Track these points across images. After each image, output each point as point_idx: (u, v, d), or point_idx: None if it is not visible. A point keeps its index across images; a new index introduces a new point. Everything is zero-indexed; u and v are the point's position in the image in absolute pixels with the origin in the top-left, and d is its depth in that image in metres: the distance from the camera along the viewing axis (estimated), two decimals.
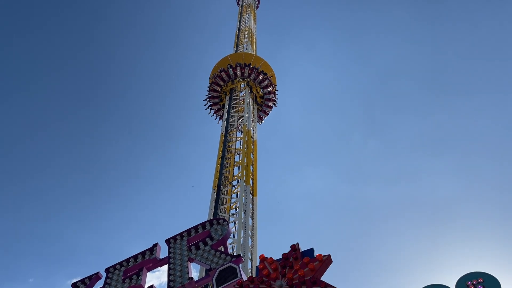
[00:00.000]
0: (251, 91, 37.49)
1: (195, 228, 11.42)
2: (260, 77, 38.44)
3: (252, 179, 29.51)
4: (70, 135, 64.37)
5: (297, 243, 8.48)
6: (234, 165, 30.28)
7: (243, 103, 36.36)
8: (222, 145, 31.61)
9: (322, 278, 7.60)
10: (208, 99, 39.15)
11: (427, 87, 65.14)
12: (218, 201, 26.87)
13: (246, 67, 38.07)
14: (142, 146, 67.56)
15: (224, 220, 11.54)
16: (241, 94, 37.24)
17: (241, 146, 31.76)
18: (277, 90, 39.86)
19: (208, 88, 39.42)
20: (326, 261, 7.81)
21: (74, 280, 11.64)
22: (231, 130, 33.35)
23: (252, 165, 30.76)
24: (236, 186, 28.57)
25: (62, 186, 60.72)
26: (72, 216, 59.35)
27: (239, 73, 38.02)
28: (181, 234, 11.43)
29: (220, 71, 38.68)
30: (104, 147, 65.49)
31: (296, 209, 61.42)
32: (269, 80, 38.50)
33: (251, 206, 27.39)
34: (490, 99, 58.91)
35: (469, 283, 6.11)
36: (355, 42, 73.13)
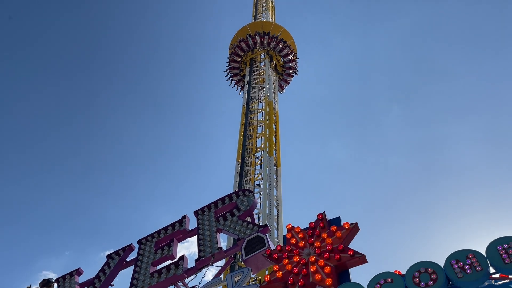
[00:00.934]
0: (271, 61, 37.11)
1: (222, 199, 11.62)
2: (280, 45, 37.87)
3: (275, 150, 29.61)
4: (95, 111, 65.62)
5: (324, 212, 8.56)
6: (257, 137, 30.39)
7: (263, 74, 36.04)
8: (244, 117, 31.67)
9: (349, 246, 7.69)
10: (228, 70, 39.09)
11: (453, 49, 62.77)
12: (242, 173, 27.19)
13: (265, 36, 37.64)
14: (164, 121, 68.36)
15: (250, 191, 11.69)
16: (261, 64, 36.88)
17: (263, 118, 31.74)
18: (298, 58, 39.12)
19: (228, 59, 39.16)
20: (353, 229, 7.88)
21: (107, 252, 12.15)
22: (252, 102, 33.29)
23: (275, 136, 30.79)
24: (259, 158, 28.78)
25: (92, 162, 62.52)
26: (102, 192, 61.32)
27: (258, 43, 37.64)
28: (208, 206, 11.67)
29: (240, 41, 38.40)
30: (127, 123, 66.61)
31: (320, 179, 61.49)
32: (289, 48, 38.00)
33: (275, 177, 27.62)
34: None
35: (499, 247, 6.04)
36: (378, 4, 70.58)
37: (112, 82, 69.04)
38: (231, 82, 39.63)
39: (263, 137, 30.07)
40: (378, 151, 60.39)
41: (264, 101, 32.99)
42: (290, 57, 39.00)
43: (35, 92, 61.99)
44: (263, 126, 30.99)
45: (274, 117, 32.08)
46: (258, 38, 37.68)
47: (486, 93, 58.02)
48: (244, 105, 33.06)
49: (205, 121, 67.87)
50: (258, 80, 35.47)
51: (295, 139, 60.89)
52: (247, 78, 36.74)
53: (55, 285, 11.99)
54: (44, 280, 12.56)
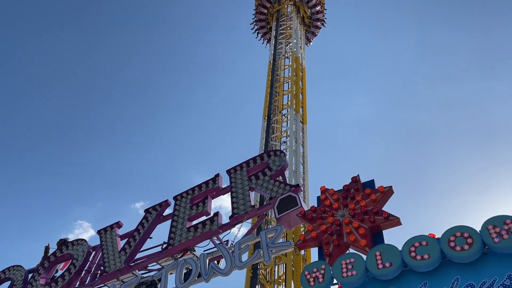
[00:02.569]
0: (299, 12, 36.79)
1: (254, 159, 11.84)
2: None
3: (302, 107, 29.47)
4: (120, 64, 65.98)
5: (358, 175, 8.65)
6: (283, 94, 30.21)
7: (290, 28, 35.15)
8: (270, 74, 31.36)
9: (383, 209, 7.84)
10: (254, 23, 38.60)
11: (485, 4, 59.10)
12: (269, 130, 27.33)
13: None
14: (189, 78, 68.31)
15: (282, 151, 11.83)
16: (288, 19, 35.99)
17: (290, 74, 31.35)
18: (326, 9, 38.73)
19: (254, 11, 38.71)
20: (388, 192, 7.98)
21: (137, 204, 12.73)
22: (279, 58, 32.77)
23: (301, 93, 30.52)
24: (286, 115, 28.76)
25: (121, 118, 63.77)
26: (132, 146, 62.94)
27: None
28: (240, 165, 11.91)
29: None
30: (154, 79, 66.92)
31: (346, 136, 61.16)
32: None
33: (301, 134, 27.69)
34: None
35: None
36: None
37: (137, 38, 68.70)
38: (257, 34, 39.24)
39: (289, 94, 29.87)
40: (407, 108, 59.15)
41: (290, 56, 32.43)
42: (318, 8, 38.13)
43: (69, 49, 62.51)
44: (289, 82, 30.69)
45: (300, 74, 31.65)
46: None
47: None
48: (270, 61, 32.62)
49: (231, 78, 67.55)
50: (285, 34, 34.74)
51: (322, 96, 60.20)
52: (273, 32, 36.02)
53: (70, 245, 12.69)
54: (60, 240, 13.38)
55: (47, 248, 13.79)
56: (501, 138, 53.48)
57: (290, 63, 31.99)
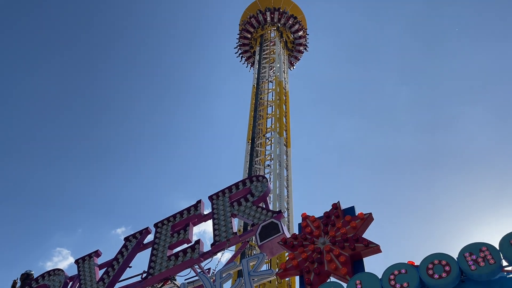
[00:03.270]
0: (282, 37, 37.32)
1: (236, 185, 11.81)
2: (290, 21, 37.82)
3: (286, 130, 29.69)
4: (105, 91, 65.80)
5: (338, 201, 8.71)
6: (267, 117, 30.43)
7: (273, 53, 35.73)
8: (254, 98, 31.65)
9: (364, 236, 7.87)
10: (238, 47, 39.11)
11: (465, 29, 61.35)
12: (253, 153, 27.38)
13: (275, 12, 37.56)
14: (174, 101, 68.41)
15: (264, 177, 11.85)
16: (271, 43, 36.64)
17: (273, 98, 31.68)
18: (308, 34, 39.47)
19: (238, 36, 39.32)
20: (367, 219, 8.03)
21: (119, 230, 12.51)
22: (262, 81, 33.16)
23: (285, 116, 30.80)
24: (269, 138, 28.88)
25: (105, 142, 63.17)
26: (113, 172, 62.12)
27: (269, 19, 37.70)
28: (223, 191, 11.87)
29: (250, 18, 38.48)
30: (136, 102, 66.81)
31: (329, 160, 61.58)
32: (300, 24, 38.31)
33: (285, 157, 27.79)
34: None
35: None
36: None
37: (118, 62, 68.87)
38: (241, 58, 39.64)
39: (273, 118, 30.11)
40: (387, 132, 60.11)
41: (274, 80, 32.85)
42: (300, 33, 38.65)
43: (46, 71, 62.16)
44: (273, 106, 30.97)
45: (284, 97, 32.01)
46: (268, 14, 37.57)
47: (497, 73, 56.97)
48: (254, 85, 32.99)
49: (215, 102, 67.88)
50: (268, 59, 35.22)
51: (305, 119, 60.78)
52: (257, 56, 36.53)
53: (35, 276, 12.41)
54: (23, 274, 13.04)
55: (14, 283, 13.29)
56: (481, 163, 54.63)
57: (273, 87, 32.38)
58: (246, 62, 39.82)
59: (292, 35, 38.65)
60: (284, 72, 34.48)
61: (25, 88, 60.22)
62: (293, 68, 39.71)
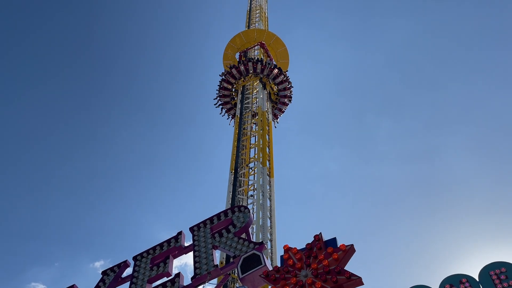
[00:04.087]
0: (265, 88, 35.10)
1: (218, 216, 11.69)
2: (275, 71, 35.37)
3: (269, 160, 29.76)
4: (86, 124, 65.25)
5: (320, 233, 8.69)
6: (250, 147, 30.53)
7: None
8: (237, 128, 31.80)
9: (346, 267, 7.83)
10: (218, 98, 36.52)
11: (442, 61, 63.70)
12: (236, 183, 27.25)
13: (258, 63, 35.08)
14: (155, 131, 68.22)
15: (246, 207, 11.77)
16: (254, 95, 34.84)
17: (257, 128, 31.90)
18: (293, 87, 36.77)
19: (218, 87, 36.60)
20: (349, 250, 8.01)
21: (97, 263, 12.14)
22: (246, 112, 33.45)
23: (268, 146, 30.95)
24: (253, 168, 28.88)
25: (83, 173, 62.02)
26: (92, 203, 60.78)
27: (251, 69, 35.18)
28: (204, 222, 11.72)
29: (231, 68, 35.92)
30: (118, 133, 66.34)
31: (312, 190, 61.75)
32: (284, 76, 35.97)
33: (268, 187, 27.73)
34: (507, 74, 57.38)
35: (492, 272, 6.22)
36: (368, 19, 71.43)
37: (103, 91, 68.80)
38: (221, 110, 36.58)
39: (256, 148, 30.21)
40: (370, 162, 60.90)
41: (257, 111, 33.17)
42: (285, 84, 36.26)
43: (27, 100, 61.50)
44: (256, 136, 31.14)
45: (267, 128, 32.26)
46: (250, 64, 35.11)
47: (475, 104, 58.92)
48: (237, 116, 33.21)
49: (198, 132, 67.94)
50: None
51: (288, 150, 61.25)
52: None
53: None
54: None
55: None
56: (462, 191, 55.54)
57: (256, 118, 32.66)
58: (226, 114, 36.72)
59: (276, 87, 35.93)
60: (267, 104, 34.87)
61: (4, 115, 59.29)
62: (278, 122, 36.75)
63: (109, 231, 61.20)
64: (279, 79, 35.86)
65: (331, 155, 64.11)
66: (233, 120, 35.54)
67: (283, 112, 37.06)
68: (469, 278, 6.32)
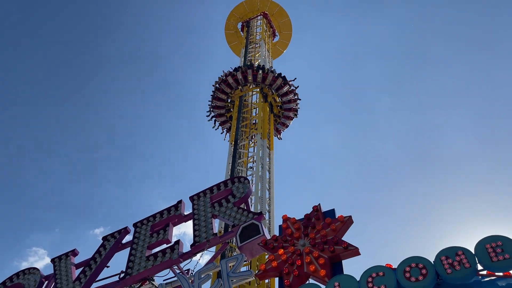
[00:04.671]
0: (266, 101, 30.19)
1: (218, 186, 11.77)
2: (278, 82, 30.30)
3: (269, 133, 29.70)
4: (85, 90, 64.83)
5: (319, 204, 8.78)
6: (250, 119, 30.41)
7: (258, 55, 35.70)
8: (238, 99, 31.57)
9: (343, 238, 7.93)
10: (211, 110, 31.86)
11: (445, 36, 62.70)
12: (235, 155, 27.30)
13: (259, 70, 30.17)
14: (157, 100, 67.80)
15: (246, 178, 11.84)
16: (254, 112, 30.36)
17: (258, 100, 31.69)
18: (300, 99, 31.57)
19: (211, 97, 31.75)
20: (347, 221, 8.10)
21: (96, 230, 12.31)
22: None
23: (269, 119, 30.82)
24: (253, 141, 28.88)
25: (82, 141, 62.10)
26: (92, 171, 61.13)
27: (250, 78, 30.24)
28: (204, 192, 11.81)
29: (226, 75, 30.71)
30: (117, 101, 66.03)
31: (311, 164, 62.00)
32: (289, 86, 30.89)
33: (268, 160, 27.82)
34: (511, 51, 56.56)
35: (488, 246, 6.29)
36: None
37: (104, 58, 68.05)
38: (214, 123, 31.88)
39: (257, 120, 30.10)
40: (370, 139, 60.87)
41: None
42: (290, 96, 30.96)
43: (27, 71, 60.93)
44: (257, 108, 30.96)
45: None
46: (250, 72, 30.14)
47: (477, 81, 58.43)
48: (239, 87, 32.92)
49: (197, 101, 67.51)
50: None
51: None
52: (242, 57, 36.27)
53: None
54: None
55: None
56: (462, 168, 55.80)
57: (258, 90, 32.39)
58: (220, 127, 32.04)
59: (279, 98, 30.91)
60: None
61: (5, 85, 58.90)
62: (280, 138, 32.43)
63: (109, 200, 61.93)
64: (284, 90, 30.70)
65: (331, 130, 64.06)
66: (228, 134, 31.06)
67: (287, 126, 32.08)
68: (465, 251, 6.39)
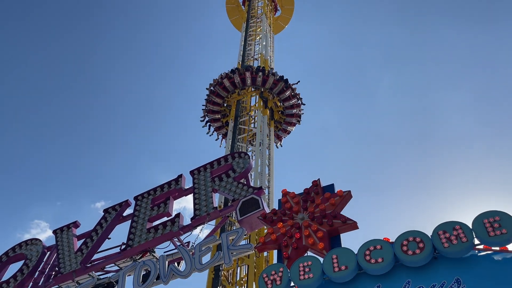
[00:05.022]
0: (266, 106, 27.33)
1: (218, 160, 11.82)
2: (280, 85, 27.33)
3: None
4: (84, 64, 64.20)
5: (319, 178, 8.82)
6: (251, 95, 30.25)
7: (259, 30, 35.20)
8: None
9: (342, 213, 8.01)
10: (206, 114, 29.17)
11: (448, 15, 61.60)
12: (235, 130, 27.26)
13: (259, 73, 27.24)
14: (156, 75, 67.25)
15: (246, 153, 11.88)
16: (255, 117, 27.81)
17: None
18: (304, 104, 28.60)
19: (205, 100, 28.75)
20: (346, 196, 8.17)
21: (98, 204, 12.44)
22: (248, 59, 32.82)
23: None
24: (253, 117, 28.78)
25: (83, 115, 61.96)
26: (94, 145, 61.21)
27: (249, 81, 27.37)
28: (204, 166, 11.87)
29: (222, 78, 27.63)
30: (120, 72, 65.48)
31: (311, 140, 61.98)
32: (292, 90, 27.86)
33: (268, 136, 27.81)
34: None
35: (485, 221, 6.34)
36: None
37: (98, 32, 67.10)
38: (209, 128, 29.24)
39: (257, 96, 29.93)
40: (370, 117, 60.64)
41: (259, 58, 32.57)
42: (292, 101, 28.03)
43: (28, 47, 60.13)
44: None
45: None
46: (248, 74, 27.24)
47: (479, 61, 57.83)
48: (239, 62, 32.60)
49: (197, 75, 66.95)
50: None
51: None
52: (243, 33, 35.79)
53: None
54: None
55: None
56: (461, 147, 55.84)
57: (259, 65, 32.10)
58: (215, 133, 29.41)
59: (281, 103, 28.08)
60: (270, 50, 34.15)
61: (6, 58, 58.30)
62: (281, 145, 30.15)
63: (110, 174, 62.25)
64: (286, 94, 27.70)
65: (331, 108, 63.74)
66: (224, 140, 28.86)
67: (288, 133, 29.88)
68: (462, 225, 6.45)
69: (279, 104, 28.08)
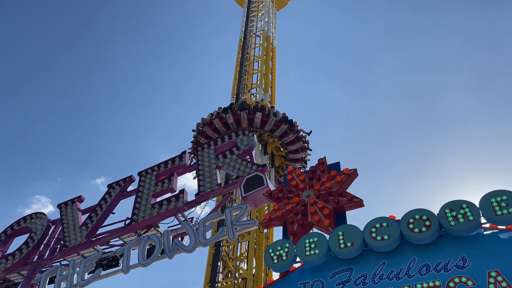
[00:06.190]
0: (266, 152, 22.70)
1: (222, 138, 11.79)
2: (283, 128, 22.67)
3: (271, 87, 29.38)
4: (87, 46, 63.29)
5: (324, 156, 8.80)
6: (253, 73, 29.98)
7: (262, 6, 34.69)
8: (240, 52, 30.95)
9: (348, 191, 8.03)
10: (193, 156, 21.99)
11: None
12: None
13: (257, 113, 22.37)
14: (157, 55, 66.44)
15: (250, 131, 11.85)
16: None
17: (260, 53, 31.09)
18: (311, 150, 23.97)
19: (193, 138, 23.94)
20: (352, 174, 8.17)
21: (98, 180, 12.46)
22: (249, 36, 32.36)
23: (271, 73, 30.38)
24: (254, 94, 28.60)
25: (84, 92, 61.48)
26: (96, 121, 61.02)
27: (244, 122, 22.41)
28: (208, 143, 11.84)
29: (212, 117, 22.87)
30: (123, 53, 64.71)
31: (312, 121, 61.83)
32: (297, 132, 23.12)
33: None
34: None
35: (492, 200, 6.36)
36: None
37: (101, 16, 65.91)
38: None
39: (259, 73, 29.68)
40: (370, 97, 60.35)
41: (261, 35, 32.12)
42: (297, 145, 23.23)
43: (30, 23, 59.04)
44: (259, 61, 30.45)
45: (271, 53, 31.44)
46: (244, 114, 22.31)
47: (481, 42, 57.17)
48: (241, 39, 32.18)
49: (199, 55, 66.26)
50: (255, 13, 33.51)
51: (289, 79, 60.23)
52: (244, 9, 35.19)
53: None
54: None
55: None
56: (460, 128, 55.83)
57: (261, 42, 31.70)
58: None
59: (283, 147, 23.41)
60: (272, 27, 33.65)
61: (8, 44, 57.38)
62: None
63: (111, 151, 62.31)
64: (289, 138, 23.02)
65: (332, 88, 63.30)
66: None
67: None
68: (469, 204, 6.47)
69: (280, 148, 23.45)
